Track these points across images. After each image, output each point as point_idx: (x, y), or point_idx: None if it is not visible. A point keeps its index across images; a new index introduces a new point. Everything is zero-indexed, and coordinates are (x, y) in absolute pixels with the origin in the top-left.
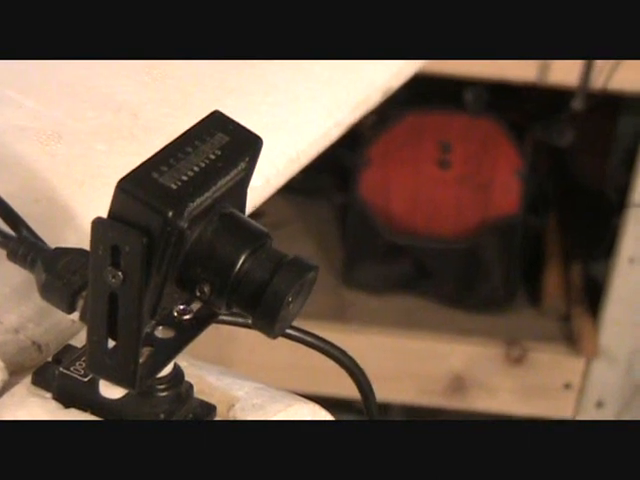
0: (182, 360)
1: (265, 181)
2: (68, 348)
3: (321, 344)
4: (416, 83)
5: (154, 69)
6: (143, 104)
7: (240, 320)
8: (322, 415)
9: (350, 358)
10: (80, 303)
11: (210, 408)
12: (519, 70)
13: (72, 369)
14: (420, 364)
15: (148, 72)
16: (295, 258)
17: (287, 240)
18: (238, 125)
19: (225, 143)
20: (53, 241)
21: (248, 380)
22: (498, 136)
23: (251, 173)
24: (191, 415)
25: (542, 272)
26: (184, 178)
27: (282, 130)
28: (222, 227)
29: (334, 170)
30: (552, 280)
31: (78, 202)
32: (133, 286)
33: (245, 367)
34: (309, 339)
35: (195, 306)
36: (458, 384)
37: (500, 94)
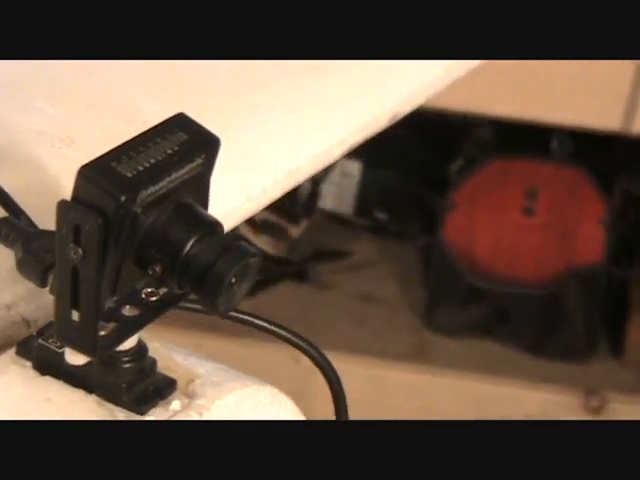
0: (154, 341)
1: (262, 190)
2: (52, 324)
3: (294, 338)
4: (503, 129)
5: (172, 84)
6: (155, 115)
7: (198, 307)
8: (281, 399)
9: (319, 352)
10: (51, 278)
11: (171, 382)
12: (604, 119)
13: (50, 341)
14: (497, 409)
15: (165, 87)
16: (239, 244)
17: (372, 280)
18: (199, 126)
19: (183, 140)
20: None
21: (213, 362)
22: (584, 185)
23: (210, 170)
24: (152, 387)
25: (625, 323)
26: (140, 168)
27: (284, 144)
28: (175, 214)
29: (421, 213)
30: (635, 331)
31: None
32: (91, 262)
33: (324, 400)
34: (282, 332)
35: (162, 290)
36: None
37: (586, 142)
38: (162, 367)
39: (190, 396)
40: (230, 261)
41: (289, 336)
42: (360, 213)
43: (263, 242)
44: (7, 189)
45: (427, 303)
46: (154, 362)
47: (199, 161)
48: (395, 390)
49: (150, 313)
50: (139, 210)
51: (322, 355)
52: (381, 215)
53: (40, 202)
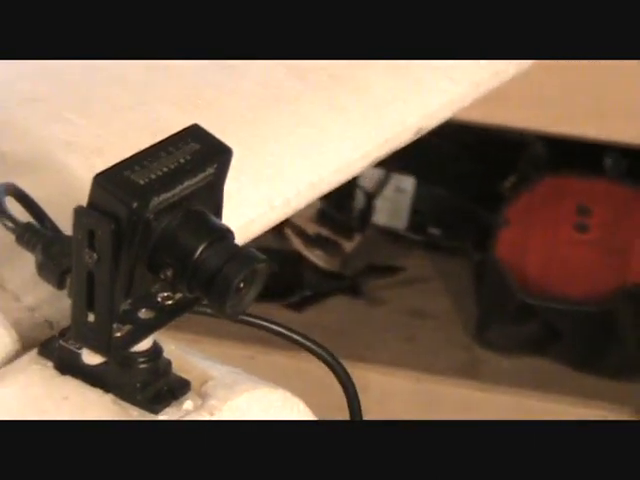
0: (170, 344)
1: (285, 201)
2: None
3: (307, 342)
4: (556, 146)
5: (200, 98)
6: (181, 128)
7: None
8: (293, 402)
9: (331, 355)
10: (68, 281)
11: (185, 383)
12: None
13: (70, 342)
14: None
15: (194, 101)
16: (248, 250)
17: (424, 295)
18: (212, 137)
19: (196, 150)
20: None
21: (227, 366)
22: (637, 202)
23: (222, 179)
24: (166, 387)
25: None
26: (152, 176)
27: (307, 156)
28: (186, 221)
29: (474, 229)
30: None
31: None
32: (105, 265)
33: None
34: (298, 338)
35: (178, 295)
36: None
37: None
38: (177, 369)
39: (203, 397)
40: (238, 266)
41: (298, 338)
42: (413, 229)
43: (316, 256)
44: (35, 197)
45: (478, 319)
46: (169, 363)
47: (211, 170)
48: (445, 406)
49: (165, 316)
50: (151, 216)
51: (332, 356)
52: (434, 231)
53: (67, 210)
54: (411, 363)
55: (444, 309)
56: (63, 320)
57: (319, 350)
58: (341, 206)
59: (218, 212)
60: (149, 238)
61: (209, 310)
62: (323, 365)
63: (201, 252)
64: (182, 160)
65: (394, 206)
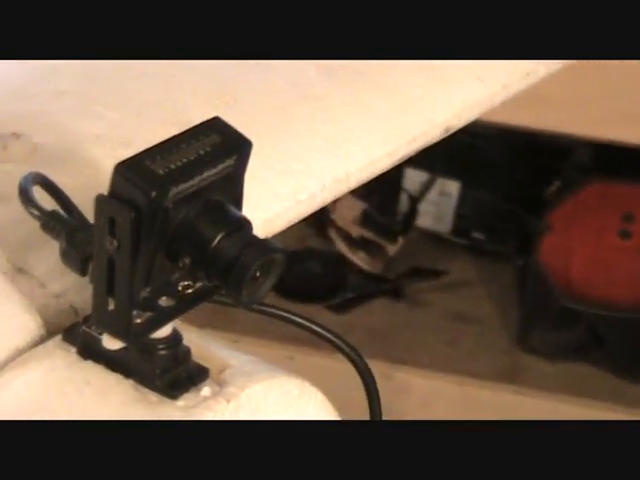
0: (191, 332)
1: (311, 195)
2: None
3: (329, 335)
4: (601, 151)
5: (227, 94)
6: None
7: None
8: (311, 391)
9: (353, 349)
10: (90, 268)
11: (203, 370)
12: None
13: (92, 328)
14: None
15: (221, 97)
16: (264, 240)
17: (466, 299)
18: (232, 129)
19: (216, 142)
20: None
21: (247, 354)
22: None
23: (242, 171)
24: (185, 374)
25: None
26: (172, 166)
27: (334, 153)
28: (205, 211)
29: (518, 234)
30: None
31: None
32: (125, 252)
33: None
34: (319, 330)
35: (198, 284)
36: None
37: None
38: (197, 356)
39: (221, 384)
40: (254, 255)
41: (318, 329)
42: (457, 232)
43: (360, 259)
44: (64, 187)
45: (521, 324)
46: (188, 351)
47: (230, 162)
48: (486, 410)
49: (184, 305)
50: (170, 205)
51: (355, 351)
52: (478, 235)
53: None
54: (453, 367)
55: (487, 313)
56: (88, 307)
57: (341, 344)
58: (385, 209)
59: (238, 203)
60: (168, 227)
61: (228, 300)
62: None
63: (219, 241)
64: (202, 151)
65: (438, 210)
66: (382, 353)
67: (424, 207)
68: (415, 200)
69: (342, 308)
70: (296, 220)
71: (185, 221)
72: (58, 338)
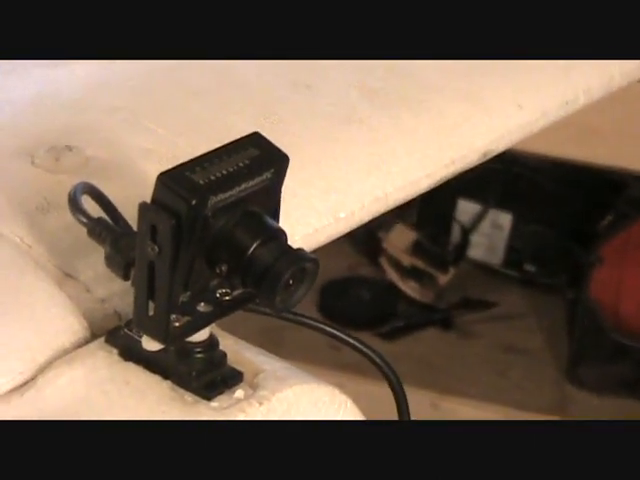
0: (228, 338)
1: (349, 213)
2: None
3: (355, 342)
4: None
5: (273, 115)
6: None
7: (267, 310)
8: (342, 399)
9: (380, 356)
10: (133, 273)
11: (238, 374)
12: None
13: (134, 331)
14: None
15: (267, 117)
16: (298, 250)
17: (517, 331)
18: (271, 144)
19: (255, 156)
20: None
21: (280, 361)
22: None
23: (279, 184)
24: (220, 377)
25: None
26: (212, 177)
27: (373, 173)
28: (243, 220)
29: (569, 267)
30: None
31: None
32: (165, 258)
33: None
34: (344, 337)
35: (236, 292)
36: None
37: None
38: (232, 361)
39: (254, 388)
40: (287, 264)
41: (343, 336)
42: (509, 264)
43: (410, 288)
44: (113, 199)
45: (570, 357)
46: (224, 355)
47: (268, 175)
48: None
49: (221, 311)
50: (209, 214)
51: (381, 356)
52: (530, 267)
53: None
54: (501, 398)
55: (536, 346)
56: (131, 312)
57: (366, 350)
58: (437, 239)
59: (275, 214)
60: (207, 234)
61: (264, 309)
62: (412, 395)
63: (254, 249)
64: (241, 164)
65: (490, 241)
66: (430, 382)
67: (476, 238)
68: (467, 231)
69: (391, 336)
70: (335, 237)
71: (223, 229)
72: (101, 340)
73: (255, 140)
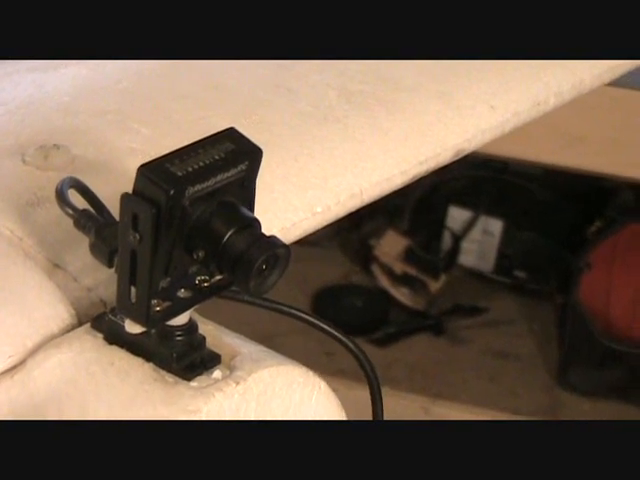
0: (208, 324)
1: (326, 208)
2: None
3: (336, 333)
4: None
5: (254, 114)
6: None
7: (244, 297)
8: (315, 381)
9: (361, 350)
10: (116, 260)
11: (216, 356)
12: None
13: (118, 317)
14: None
15: (249, 117)
16: (270, 237)
17: (507, 336)
18: (245, 139)
19: (230, 150)
20: None
21: (257, 345)
22: None
23: (253, 176)
24: (199, 359)
25: None
26: (189, 169)
27: (349, 170)
28: (219, 209)
29: (559, 273)
30: None
31: None
32: (146, 245)
33: None
34: (325, 327)
35: (214, 279)
36: None
37: None
38: (211, 344)
39: (231, 369)
40: (260, 250)
41: (324, 326)
42: (499, 271)
43: (402, 294)
44: (99, 194)
45: (561, 362)
46: (203, 339)
47: (242, 167)
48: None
49: (200, 296)
50: (187, 203)
51: (360, 349)
52: (520, 274)
53: None
54: (492, 403)
55: (527, 351)
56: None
57: (341, 336)
58: (429, 246)
59: (250, 205)
60: (185, 223)
61: (241, 296)
62: (399, 401)
63: (229, 237)
64: (217, 157)
65: (481, 248)
66: (422, 388)
67: (467, 245)
68: (458, 238)
69: (383, 342)
70: (311, 231)
71: (200, 218)
72: (87, 326)
73: (230, 135)
